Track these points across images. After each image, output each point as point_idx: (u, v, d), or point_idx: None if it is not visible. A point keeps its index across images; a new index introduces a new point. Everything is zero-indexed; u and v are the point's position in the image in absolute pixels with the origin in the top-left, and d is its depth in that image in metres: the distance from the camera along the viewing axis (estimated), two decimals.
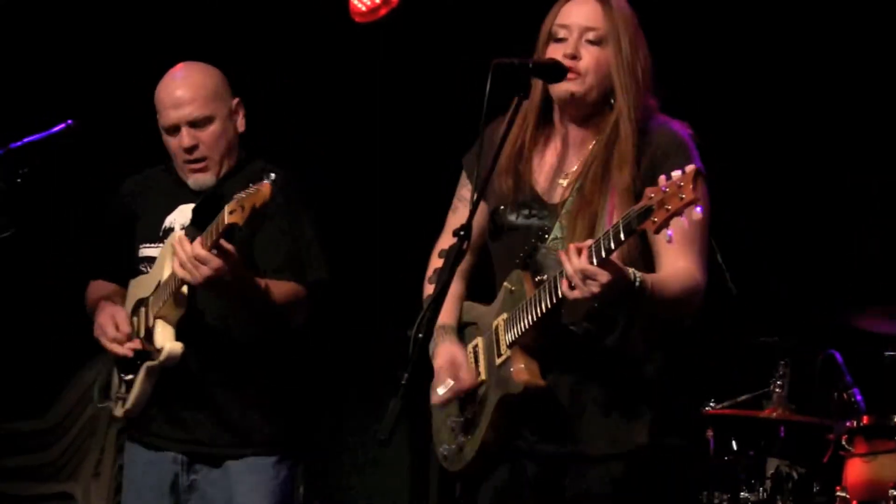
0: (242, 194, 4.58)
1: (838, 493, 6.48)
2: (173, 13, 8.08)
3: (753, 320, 6.84)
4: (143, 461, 5.18)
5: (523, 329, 4.13)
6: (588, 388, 4.20)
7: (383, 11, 8.21)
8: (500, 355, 4.23)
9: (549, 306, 4.02)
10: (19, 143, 5.09)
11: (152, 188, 5.33)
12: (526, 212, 4.31)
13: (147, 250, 5.21)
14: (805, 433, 6.99)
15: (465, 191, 4.48)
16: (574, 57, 4.22)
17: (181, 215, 5.16)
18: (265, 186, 4.56)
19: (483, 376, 4.31)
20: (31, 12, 7.69)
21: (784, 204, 7.63)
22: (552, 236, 4.23)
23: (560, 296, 3.94)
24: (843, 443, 6.55)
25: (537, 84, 4.33)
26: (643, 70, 4.27)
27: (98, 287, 5.39)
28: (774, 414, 6.92)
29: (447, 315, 4.44)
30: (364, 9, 8.21)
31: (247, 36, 8.24)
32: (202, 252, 4.69)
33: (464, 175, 4.56)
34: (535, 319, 4.08)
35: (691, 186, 3.63)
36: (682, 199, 3.63)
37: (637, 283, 3.88)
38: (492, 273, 4.44)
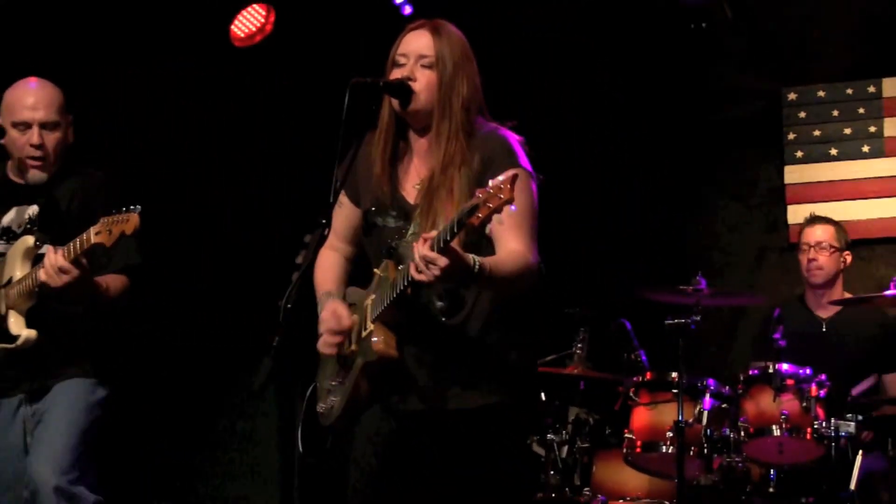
0: (111, 218, 4.57)
1: (626, 435, 6.49)
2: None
3: (559, 294, 6.84)
4: None
5: (384, 307, 4.11)
6: (442, 356, 4.19)
7: (259, 38, 8.15)
8: (365, 329, 4.20)
9: (403, 288, 4.00)
10: None
11: None
12: (391, 213, 4.30)
13: None
14: (600, 387, 7.04)
15: (340, 195, 4.43)
16: (409, 79, 4.23)
17: (18, 216, 5.12)
18: (134, 217, 4.55)
19: (353, 346, 4.26)
20: None
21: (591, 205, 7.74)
22: (410, 232, 4.21)
23: (410, 279, 3.91)
24: (631, 394, 6.58)
25: (387, 104, 4.32)
26: (468, 89, 4.25)
27: None
28: (575, 371, 6.97)
29: (331, 284, 4.46)
30: (242, 35, 8.14)
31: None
32: (65, 263, 4.69)
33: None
34: (392, 299, 4.06)
35: (509, 187, 3.65)
36: (500, 198, 3.65)
37: (475, 266, 3.85)
38: (368, 264, 4.43)
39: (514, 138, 4.25)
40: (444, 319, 4.20)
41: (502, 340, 4.24)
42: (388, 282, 4.15)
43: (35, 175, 5.06)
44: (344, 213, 4.47)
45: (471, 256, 3.85)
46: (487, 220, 3.70)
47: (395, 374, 4.19)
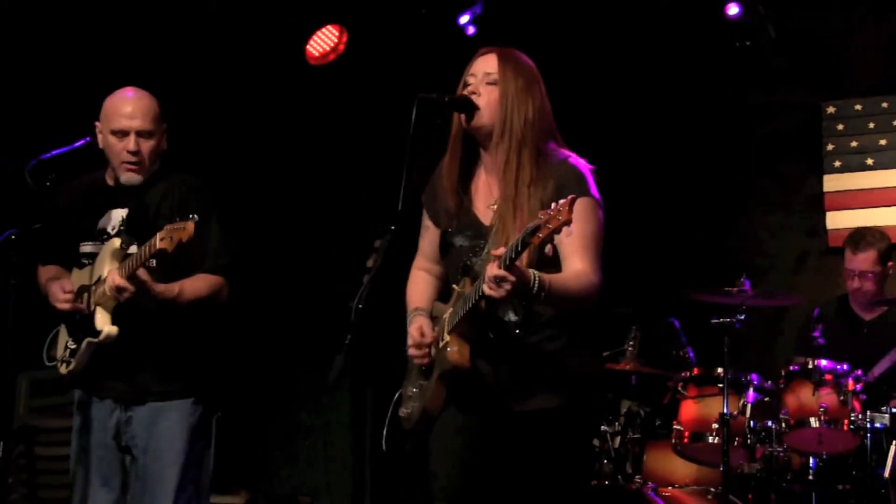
0: (172, 226, 4.59)
1: (675, 427, 6.48)
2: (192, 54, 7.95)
3: (613, 295, 6.84)
4: (89, 403, 5.12)
5: (458, 320, 4.14)
6: (516, 365, 4.21)
7: (332, 57, 8.20)
8: (442, 340, 4.23)
9: (474, 302, 4.03)
10: (48, 155, 5.04)
11: (87, 194, 5.21)
12: (468, 233, 4.32)
13: (86, 247, 5.14)
14: (650, 381, 7.01)
15: (425, 219, 4.53)
16: (473, 93, 4.24)
17: (112, 219, 5.12)
18: (190, 225, 4.56)
19: (432, 357, 4.31)
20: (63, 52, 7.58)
21: (642, 212, 7.73)
22: (486, 250, 4.22)
23: (481, 294, 3.93)
24: (679, 388, 6.57)
25: (456, 122, 4.33)
26: (533, 110, 4.23)
27: (46, 270, 5.29)
28: (628, 367, 6.93)
29: (420, 300, 4.49)
30: (317, 54, 8.19)
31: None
32: (121, 282, 4.72)
33: (423, 207, 4.58)
34: (465, 312, 4.10)
35: (567, 209, 3.67)
36: (559, 219, 3.67)
37: (535, 280, 3.86)
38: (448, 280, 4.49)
39: (585, 167, 4.24)
40: (517, 332, 4.21)
41: (572, 350, 4.24)
42: (464, 297, 4.17)
43: (130, 178, 5.05)
44: (429, 236, 4.52)
45: (531, 271, 3.87)
46: (548, 239, 3.72)
47: (470, 381, 4.21)
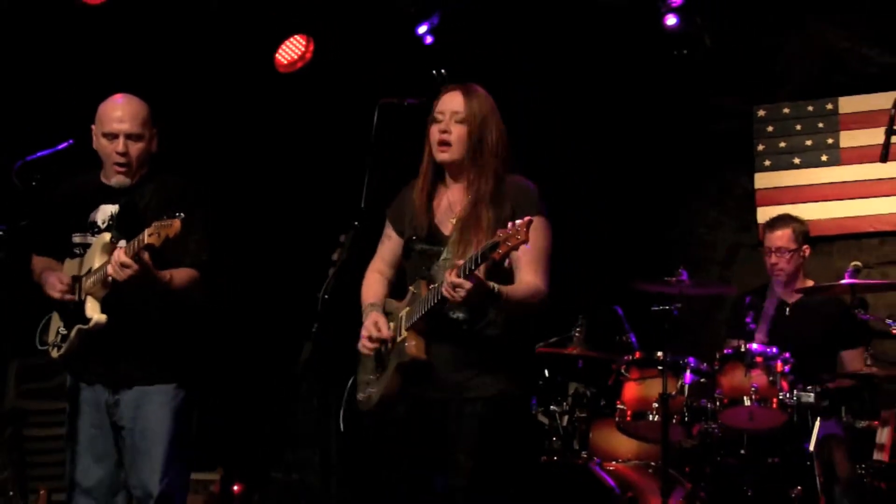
0: (160, 223, 4.63)
1: (618, 406, 6.53)
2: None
3: (564, 285, 6.91)
4: (80, 387, 5.17)
5: (416, 318, 4.35)
6: (462, 356, 4.42)
7: (300, 65, 8.22)
8: (400, 335, 4.43)
9: (433, 304, 4.26)
10: (33, 157, 5.08)
11: (82, 189, 5.25)
12: (429, 240, 4.52)
13: (77, 238, 5.19)
14: (596, 364, 7.04)
15: (388, 229, 4.73)
16: (445, 131, 4.44)
17: (103, 213, 5.16)
18: (176, 223, 4.61)
19: (390, 349, 4.48)
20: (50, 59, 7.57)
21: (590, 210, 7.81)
22: (443, 257, 4.45)
23: (440, 297, 4.18)
24: (622, 371, 6.60)
25: (427, 153, 4.54)
26: (496, 141, 4.47)
27: (40, 261, 5.32)
28: (575, 351, 6.95)
29: (375, 297, 4.69)
30: (285, 62, 8.21)
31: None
32: (126, 259, 4.75)
33: (388, 219, 4.78)
34: (424, 312, 4.32)
35: (525, 230, 3.91)
36: (518, 238, 3.91)
37: (495, 291, 4.15)
38: (404, 282, 4.64)
39: (532, 187, 4.48)
40: (464, 328, 4.40)
41: (512, 342, 4.46)
42: (420, 297, 4.38)
43: (120, 180, 5.11)
44: (390, 244, 4.74)
45: (492, 283, 4.13)
46: (506, 255, 3.98)
47: (424, 371, 4.40)
